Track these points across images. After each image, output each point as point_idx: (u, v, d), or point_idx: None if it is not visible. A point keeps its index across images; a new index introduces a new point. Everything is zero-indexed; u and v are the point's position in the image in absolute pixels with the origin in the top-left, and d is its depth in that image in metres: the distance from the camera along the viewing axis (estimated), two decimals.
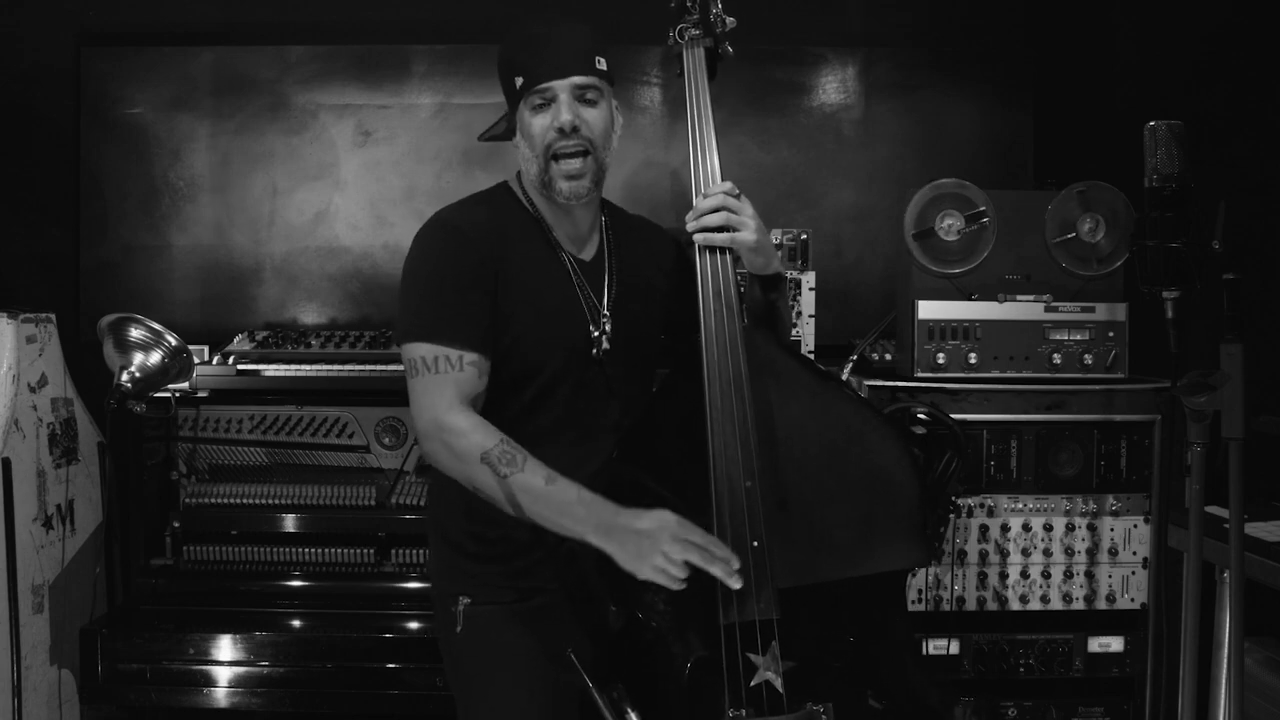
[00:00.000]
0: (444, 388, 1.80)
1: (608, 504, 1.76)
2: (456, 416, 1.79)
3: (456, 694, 1.99)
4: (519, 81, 1.88)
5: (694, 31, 1.99)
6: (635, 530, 1.72)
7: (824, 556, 1.82)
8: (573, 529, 1.75)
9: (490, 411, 1.85)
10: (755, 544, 1.77)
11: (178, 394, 2.86)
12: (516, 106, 1.91)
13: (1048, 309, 2.66)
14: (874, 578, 1.84)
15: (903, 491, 1.84)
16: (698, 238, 1.89)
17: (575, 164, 1.88)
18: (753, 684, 1.75)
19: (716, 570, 1.71)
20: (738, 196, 1.91)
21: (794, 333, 2.75)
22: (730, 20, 2.01)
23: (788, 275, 2.12)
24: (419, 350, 1.82)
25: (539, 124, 1.88)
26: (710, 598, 1.75)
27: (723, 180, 1.92)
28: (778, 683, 1.75)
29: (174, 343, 2.72)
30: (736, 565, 1.72)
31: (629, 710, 1.75)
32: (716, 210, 1.89)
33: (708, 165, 1.93)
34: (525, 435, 1.83)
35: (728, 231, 1.88)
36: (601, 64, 1.90)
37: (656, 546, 1.70)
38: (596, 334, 1.93)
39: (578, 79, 1.87)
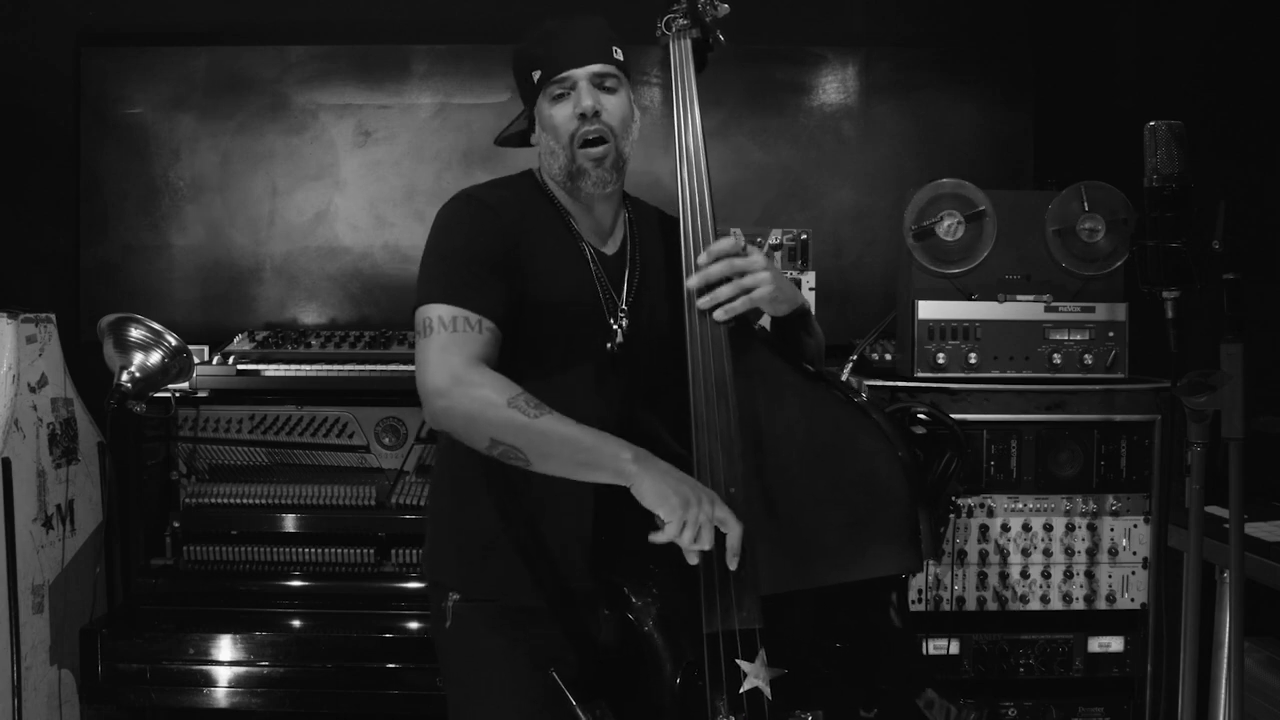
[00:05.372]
0: (463, 346, 1.73)
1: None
2: (476, 371, 1.71)
3: (446, 690, 1.97)
4: (537, 75, 1.86)
5: (681, 21, 1.93)
6: (678, 477, 1.66)
7: (811, 562, 1.77)
8: (608, 462, 1.66)
9: None
10: None
11: (178, 394, 2.86)
12: (535, 103, 1.89)
13: (1048, 309, 2.65)
14: (865, 583, 1.80)
15: (893, 495, 1.78)
16: (717, 314, 1.79)
17: (599, 149, 1.85)
18: (741, 691, 1.71)
19: (731, 540, 1.66)
20: (744, 249, 1.82)
21: None
22: (723, 6, 1.94)
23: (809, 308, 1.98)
24: (436, 310, 1.75)
25: (561, 113, 1.85)
26: (696, 604, 1.72)
27: (711, 210, 1.84)
28: (766, 690, 1.72)
29: (174, 343, 2.73)
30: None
31: None
32: (726, 279, 1.80)
33: (692, 164, 1.89)
34: None
35: (744, 295, 1.80)
36: (618, 54, 1.88)
37: (701, 500, 1.64)
38: (612, 329, 1.89)
39: (596, 67, 1.85)
